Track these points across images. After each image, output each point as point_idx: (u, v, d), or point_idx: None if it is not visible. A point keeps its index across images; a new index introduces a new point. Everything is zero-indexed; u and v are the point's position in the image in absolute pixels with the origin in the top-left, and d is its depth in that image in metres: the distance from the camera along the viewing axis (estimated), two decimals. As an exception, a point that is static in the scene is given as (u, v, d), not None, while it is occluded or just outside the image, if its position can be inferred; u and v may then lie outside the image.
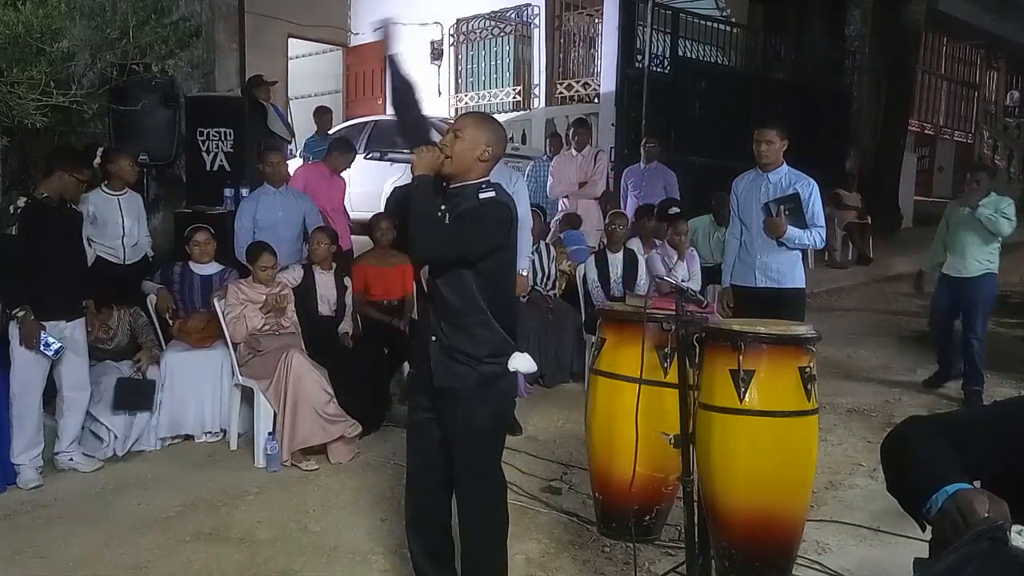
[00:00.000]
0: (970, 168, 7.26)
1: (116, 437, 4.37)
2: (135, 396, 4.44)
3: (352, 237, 6.26)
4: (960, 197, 5.90)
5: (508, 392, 2.75)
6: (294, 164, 8.02)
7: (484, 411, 2.61)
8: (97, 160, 4.96)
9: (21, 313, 3.92)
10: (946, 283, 5.67)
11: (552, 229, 7.00)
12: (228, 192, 5.92)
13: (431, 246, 2.54)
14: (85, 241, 4.91)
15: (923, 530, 1.54)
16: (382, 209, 6.22)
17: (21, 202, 4.00)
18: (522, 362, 2.63)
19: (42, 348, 3.93)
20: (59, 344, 3.98)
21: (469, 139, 2.58)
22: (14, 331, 3.97)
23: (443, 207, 2.60)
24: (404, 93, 2.83)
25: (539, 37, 11.38)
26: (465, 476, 2.66)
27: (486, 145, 2.60)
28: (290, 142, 8.05)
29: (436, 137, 2.73)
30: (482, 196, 2.58)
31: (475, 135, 2.59)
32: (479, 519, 2.67)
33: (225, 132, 6.08)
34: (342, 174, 6.08)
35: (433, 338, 2.63)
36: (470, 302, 2.57)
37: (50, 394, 4.21)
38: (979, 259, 5.48)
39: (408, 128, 2.81)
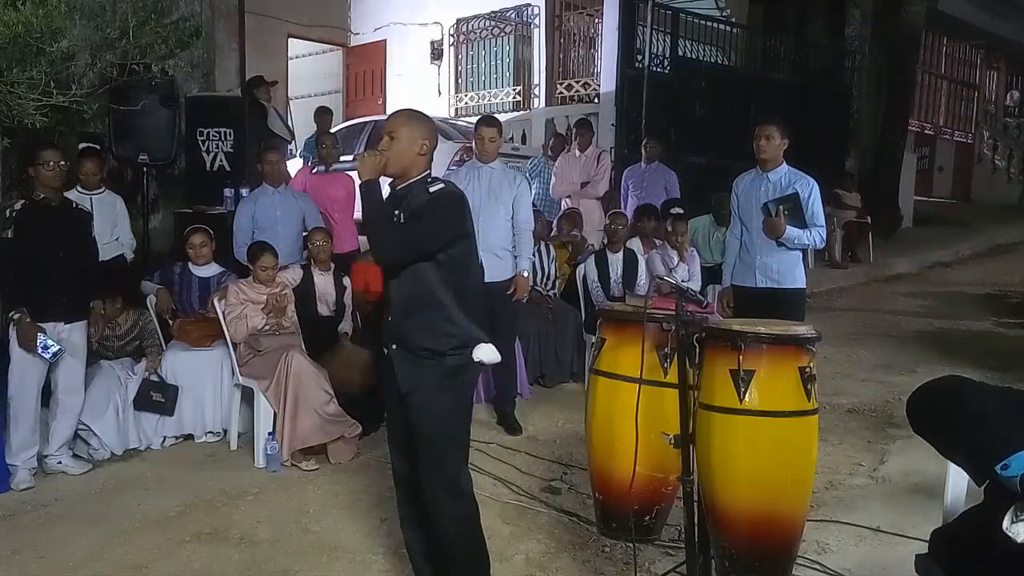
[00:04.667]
0: None
1: (104, 445, 4.37)
2: (160, 399, 4.49)
3: (360, 238, 6.25)
4: None
5: (472, 382, 2.76)
6: (294, 165, 8.03)
7: (445, 400, 2.62)
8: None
9: (17, 316, 3.91)
10: None
11: (554, 230, 6.98)
12: (228, 192, 5.94)
13: (389, 248, 2.57)
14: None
15: (980, 484, 1.50)
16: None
17: (19, 205, 4.00)
18: (486, 353, 2.64)
19: (40, 351, 3.92)
20: (57, 347, 3.96)
21: (404, 137, 2.64)
22: (13, 332, 3.96)
23: (396, 210, 2.63)
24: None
25: (539, 37, 11.36)
26: (426, 466, 2.66)
27: (422, 139, 2.66)
28: (290, 142, 8.06)
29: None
30: (432, 190, 2.62)
31: (409, 132, 2.65)
32: (444, 510, 2.66)
33: (225, 132, 6.09)
34: (350, 173, 6.08)
35: (394, 346, 2.65)
36: (430, 296, 2.58)
37: (45, 395, 4.19)
38: None
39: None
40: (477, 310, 2.66)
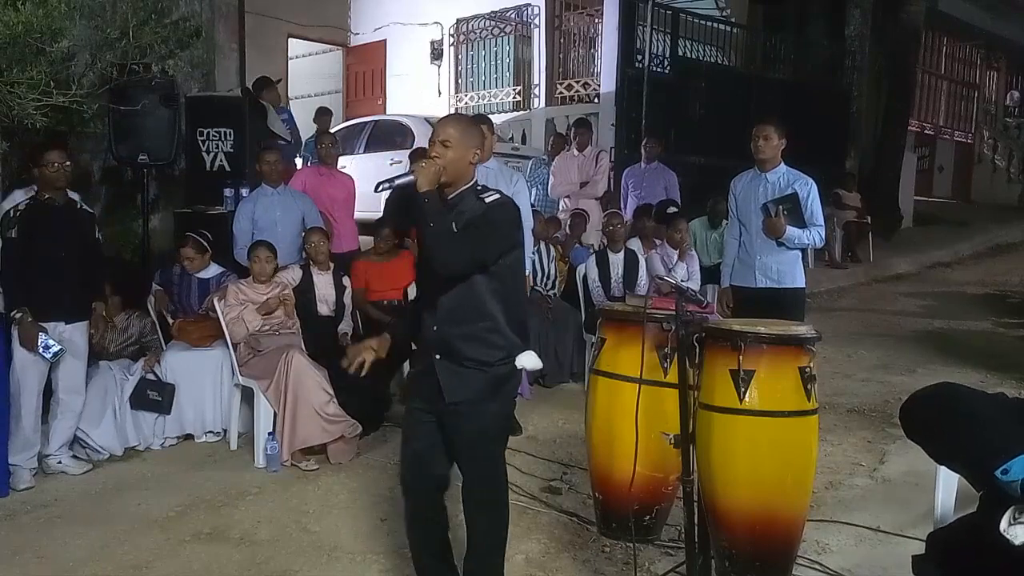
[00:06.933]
0: None
1: (99, 449, 4.37)
2: (156, 397, 4.48)
3: (361, 238, 6.25)
4: None
5: (513, 391, 2.77)
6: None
7: (491, 409, 2.63)
8: None
9: (19, 315, 3.91)
10: None
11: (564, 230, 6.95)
12: (228, 192, 5.92)
13: (455, 261, 2.52)
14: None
15: (979, 490, 1.50)
16: (382, 209, 6.21)
17: (23, 204, 4.00)
18: (528, 360, 2.64)
19: (40, 351, 3.92)
20: (58, 347, 3.96)
21: (458, 145, 2.59)
22: (14, 331, 3.96)
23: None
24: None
25: (539, 37, 11.37)
26: (473, 476, 2.66)
27: (476, 148, 2.63)
28: (290, 142, 8.04)
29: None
30: (488, 200, 2.59)
31: (464, 141, 2.60)
32: (485, 519, 2.67)
33: (225, 132, 6.08)
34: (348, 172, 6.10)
35: (438, 356, 2.61)
36: (480, 309, 2.57)
37: (46, 395, 4.18)
38: None
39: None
40: (520, 318, 2.67)
